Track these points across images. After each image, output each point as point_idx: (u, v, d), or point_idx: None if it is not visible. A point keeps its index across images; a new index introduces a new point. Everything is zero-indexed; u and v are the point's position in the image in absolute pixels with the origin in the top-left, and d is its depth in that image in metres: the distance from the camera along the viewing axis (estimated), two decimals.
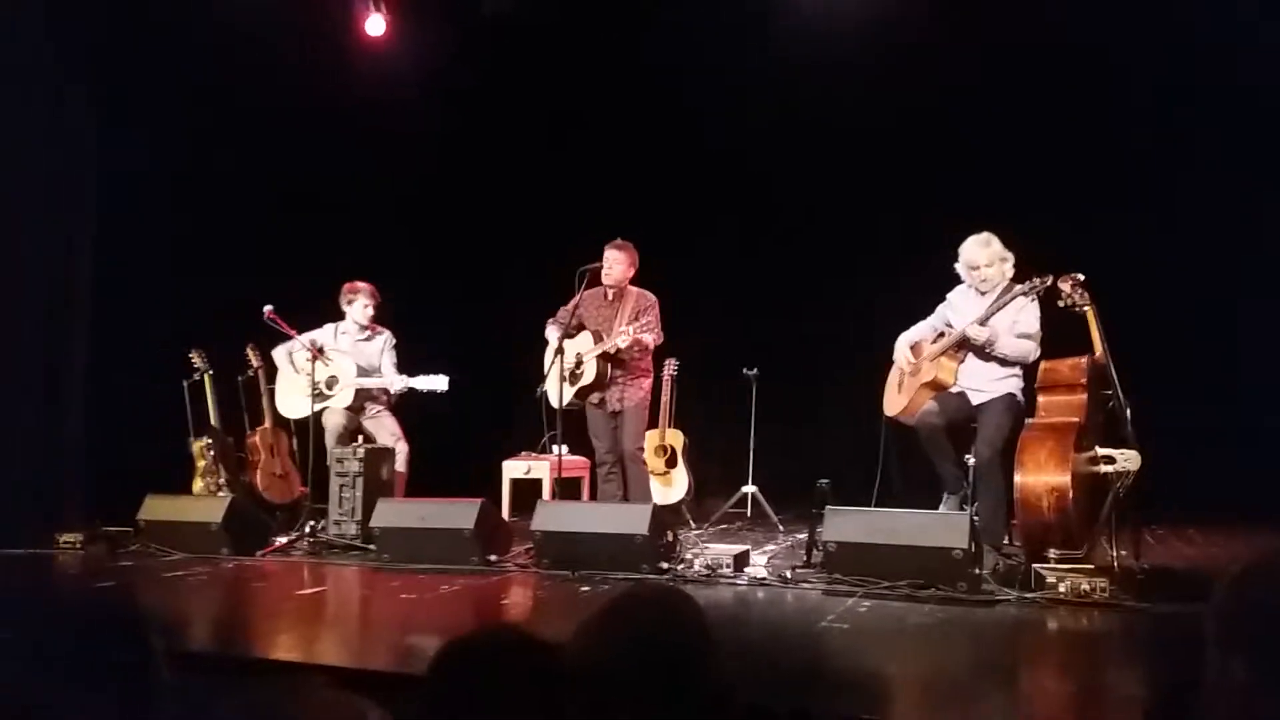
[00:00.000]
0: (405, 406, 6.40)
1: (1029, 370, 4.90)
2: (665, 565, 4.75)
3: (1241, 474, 5.52)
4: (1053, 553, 4.22)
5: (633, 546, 4.71)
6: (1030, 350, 4.91)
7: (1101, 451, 4.35)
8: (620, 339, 5.76)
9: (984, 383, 4.99)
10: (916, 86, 6.75)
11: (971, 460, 4.83)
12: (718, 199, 7.44)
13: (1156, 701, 2.83)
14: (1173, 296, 6.18)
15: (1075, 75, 6.43)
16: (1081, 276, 4.56)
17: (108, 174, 6.55)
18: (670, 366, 6.39)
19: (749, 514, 6.56)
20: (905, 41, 6.59)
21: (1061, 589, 4.02)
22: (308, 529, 5.75)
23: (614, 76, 7.39)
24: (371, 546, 5.34)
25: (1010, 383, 4.97)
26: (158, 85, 6.56)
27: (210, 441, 6.49)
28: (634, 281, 6.03)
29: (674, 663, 1.64)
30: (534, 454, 6.76)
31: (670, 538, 4.98)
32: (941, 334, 5.16)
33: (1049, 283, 4.69)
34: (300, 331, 6.23)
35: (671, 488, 6.48)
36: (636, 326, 5.78)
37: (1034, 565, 4.22)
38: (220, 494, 6.21)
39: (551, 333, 5.99)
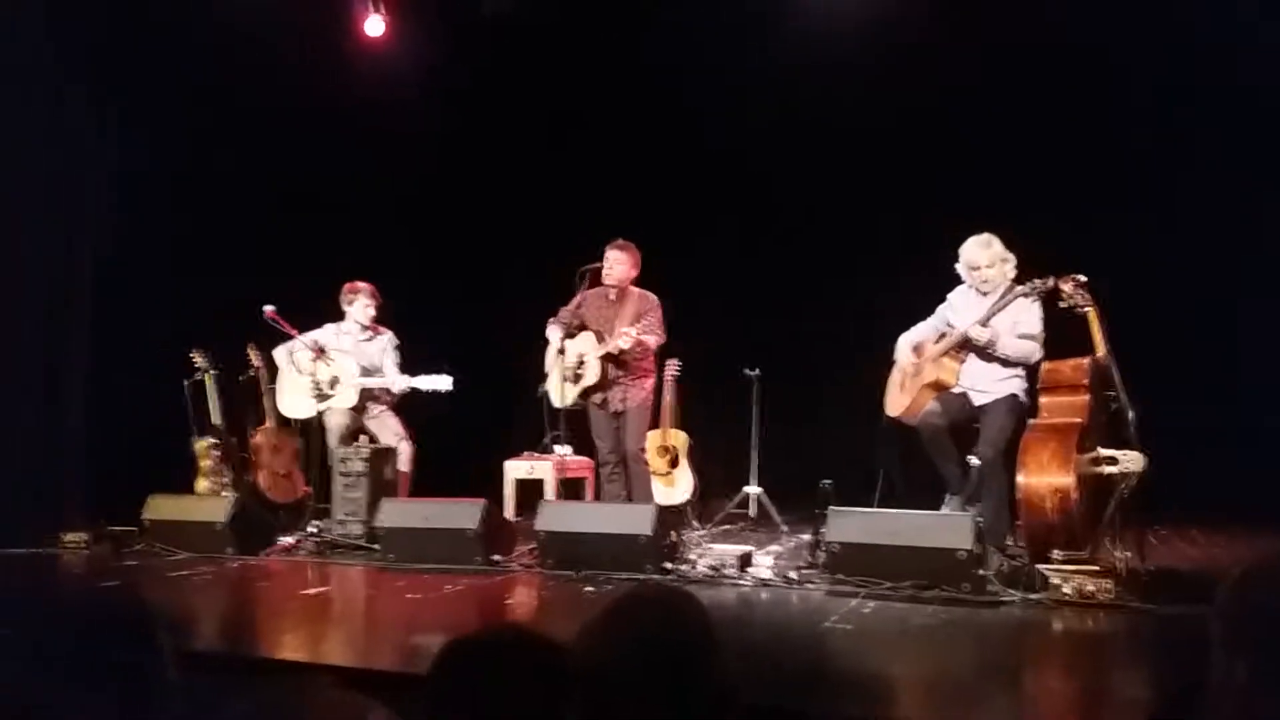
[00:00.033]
0: (407, 407, 6.40)
1: (1031, 371, 4.90)
2: (669, 566, 4.76)
3: (1244, 475, 5.52)
4: (1056, 553, 4.22)
5: (636, 547, 4.72)
6: (1032, 351, 4.91)
7: (1104, 452, 4.36)
8: (622, 340, 5.76)
9: (986, 383, 5.00)
10: (916, 86, 6.74)
11: (974, 461, 4.83)
12: (718, 199, 7.43)
13: (1161, 703, 2.84)
14: (1173, 297, 6.17)
15: (1075, 75, 6.42)
16: (1083, 277, 4.57)
17: (108, 174, 6.54)
18: (672, 367, 6.39)
19: (752, 515, 6.56)
20: (905, 41, 6.59)
21: (1066, 590, 4.03)
22: (312, 529, 5.76)
23: (614, 76, 7.38)
24: (376, 546, 5.35)
25: (1013, 383, 4.97)
26: (158, 85, 6.55)
27: (213, 441, 6.49)
28: (636, 282, 6.02)
29: (678, 663, 1.64)
30: (537, 454, 6.76)
31: (674, 538, 4.99)
32: (943, 334, 5.16)
33: (1050, 284, 4.70)
34: (301, 331, 6.24)
35: (674, 488, 6.48)
36: (639, 328, 5.77)
37: (1038, 566, 4.23)
38: (224, 494, 6.22)
39: (553, 332, 5.98)
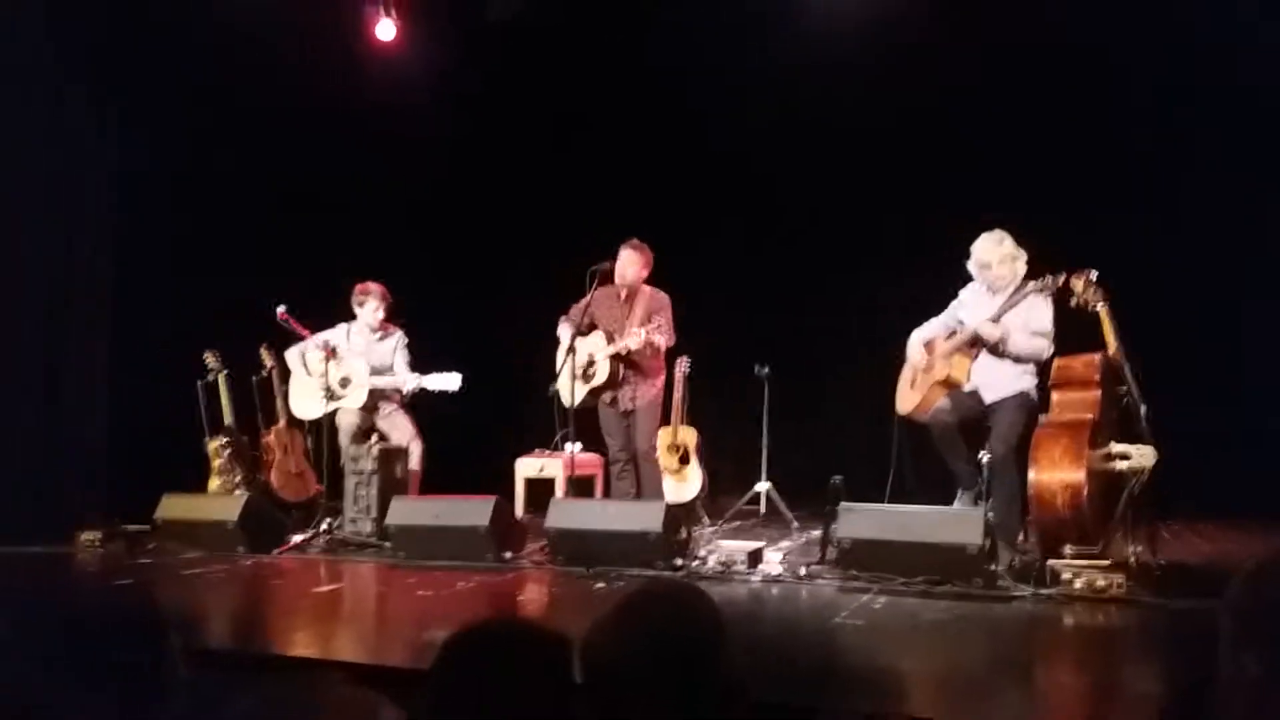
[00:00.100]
0: (418, 406, 6.42)
1: (1042, 368, 4.89)
2: (679, 562, 4.76)
3: (1255, 472, 5.50)
4: (1068, 549, 4.21)
5: (646, 544, 4.72)
6: (1043, 348, 4.89)
7: (1116, 448, 4.34)
8: (632, 340, 5.74)
9: (997, 380, 4.98)
10: (918, 86, 6.73)
11: (985, 457, 4.81)
12: (724, 198, 7.43)
13: (1173, 697, 2.83)
14: (1177, 297, 6.15)
15: (1076, 75, 6.41)
16: (1094, 274, 4.55)
17: (108, 174, 6.57)
18: (683, 365, 6.39)
19: (763, 511, 6.56)
20: (906, 41, 6.58)
21: (1077, 585, 4.01)
22: (323, 527, 5.78)
23: (618, 79, 7.39)
24: (387, 544, 5.37)
25: (1024, 380, 4.95)
26: (159, 85, 6.56)
27: (226, 441, 6.53)
28: (647, 282, 6.02)
29: (689, 658, 1.65)
30: (547, 452, 6.77)
31: (684, 534, 4.99)
32: (954, 331, 5.15)
33: (1061, 280, 4.68)
34: (313, 332, 6.26)
35: (685, 485, 6.48)
36: (649, 328, 5.75)
37: (1049, 561, 4.22)
38: (236, 493, 6.25)
39: (564, 330, 5.98)
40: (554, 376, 5.96)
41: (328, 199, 7.31)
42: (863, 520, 4.47)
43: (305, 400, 6.37)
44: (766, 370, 6.60)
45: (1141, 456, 4.27)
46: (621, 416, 5.99)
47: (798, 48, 6.81)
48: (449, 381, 6.10)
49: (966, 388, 5.03)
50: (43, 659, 1.50)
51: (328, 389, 6.12)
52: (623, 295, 5.98)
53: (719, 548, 4.92)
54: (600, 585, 4.53)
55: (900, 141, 6.84)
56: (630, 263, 5.89)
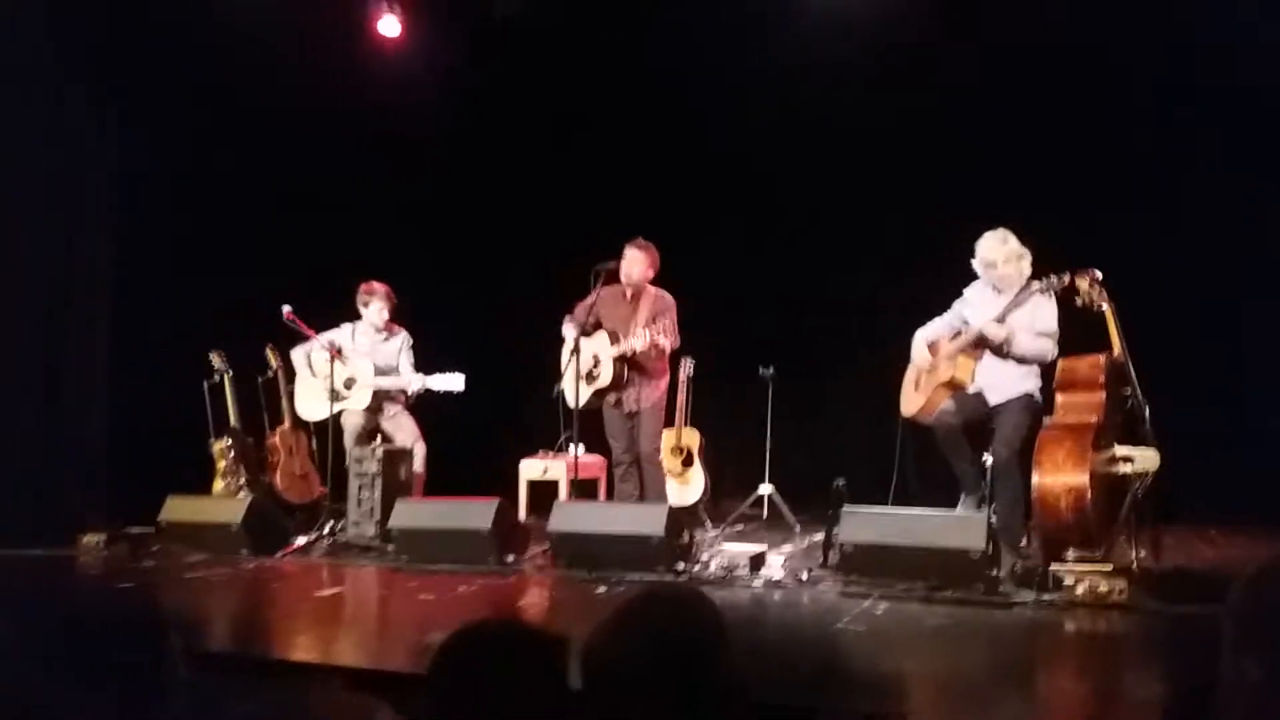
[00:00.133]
0: (420, 407, 6.42)
1: (1047, 369, 4.87)
2: (681, 566, 4.75)
3: (1260, 475, 5.48)
4: (1071, 553, 4.20)
5: (649, 547, 4.72)
6: (1048, 349, 4.87)
7: (1120, 451, 4.32)
8: (637, 341, 5.73)
9: (1002, 382, 4.96)
10: (919, 86, 6.72)
11: (989, 460, 4.80)
12: (725, 199, 7.42)
13: (1174, 703, 2.82)
14: (1178, 297, 6.14)
15: (1075, 75, 6.39)
16: (1100, 274, 4.54)
17: (108, 174, 6.56)
18: (686, 366, 6.38)
19: (765, 514, 6.55)
20: (906, 41, 6.56)
21: (1079, 590, 4.00)
22: (327, 529, 5.78)
23: (620, 78, 7.38)
24: (390, 547, 5.37)
25: (1028, 382, 4.94)
26: (159, 86, 6.53)
27: (230, 442, 6.53)
28: (653, 283, 6.01)
29: (689, 662, 1.64)
30: (550, 454, 6.76)
31: (687, 538, 4.99)
32: (959, 332, 5.13)
33: (1066, 280, 4.67)
34: (318, 332, 6.27)
35: (688, 488, 6.48)
36: (654, 330, 5.74)
37: (1052, 566, 4.20)
38: (240, 495, 6.25)
39: (568, 330, 5.96)
40: (558, 377, 5.96)
41: (330, 198, 7.31)
42: (865, 524, 4.46)
43: (310, 401, 6.37)
44: (771, 371, 6.60)
45: (1145, 460, 4.25)
46: (626, 418, 5.98)
47: (798, 48, 6.79)
48: (453, 382, 6.10)
49: (971, 389, 5.02)
50: (44, 660, 1.50)
51: (332, 390, 6.12)
52: (628, 295, 5.97)
53: (721, 551, 4.92)
54: (602, 589, 4.53)
55: (901, 142, 6.82)
56: (636, 262, 5.88)
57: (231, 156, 6.81)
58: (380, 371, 6.27)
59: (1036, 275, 4.91)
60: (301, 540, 5.70)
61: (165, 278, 6.67)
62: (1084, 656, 3.71)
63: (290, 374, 6.54)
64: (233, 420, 6.57)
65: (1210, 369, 6.02)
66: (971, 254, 5.07)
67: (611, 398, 5.96)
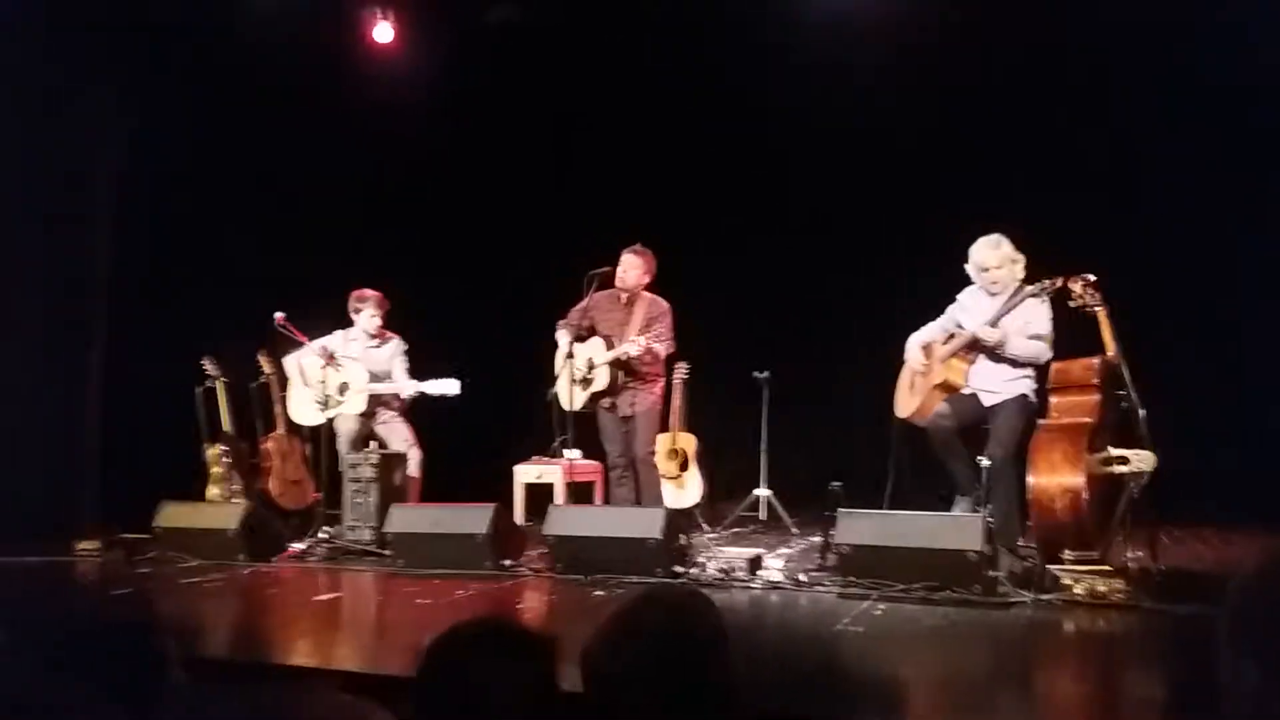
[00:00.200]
0: (416, 412, 6.41)
1: (1041, 371, 4.89)
2: (679, 569, 4.75)
3: (1257, 475, 5.49)
4: (1068, 554, 4.21)
5: (646, 550, 4.71)
6: (1042, 351, 4.89)
7: (1115, 452, 4.33)
8: (632, 347, 5.73)
9: (996, 384, 4.98)
10: (917, 89, 6.74)
11: (984, 462, 4.81)
12: (723, 201, 7.43)
13: (1173, 703, 2.82)
14: (1176, 297, 6.15)
15: (1075, 76, 6.42)
16: (1092, 277, 4.55)
17: (109, 175, 6.57)
18: (681, 370, 6.38)
19: (762, 517, 6.55)
20: (905, 43, 6.58)
21: (1077, 590, 4.01)
22: (322, 535, 5.76)
23: (614, 82, 7.39)
24: (386, 552, 5.36)
25: (1022, 384, 4.95)
26: (162, 87, 6.56)
27: (224, 448, 6.52)
28: (648, 288, 6.00)
29: (689, 664, 1.64)
30: (546, 458, 6.76)
31: (683, 541, 4.98)
32: (952, 335, 5.15)
33: (1059, 284, 4.68)
34: (311, 338, 6.25)
35: (684, 491, 6.48)
36: (649, 336, 5.74)
37: (1049, 567, 4.21)
38: (235, 501, 6.24)
39: (562, 335, 5.97)
40: (551, 380, 5.96)
41: (324, 203, 7.31)
42: (862, 526, 4.46)
43: (304, 407, 6.36)
44: (766, 375, 6.60)
45: (1140, 460, 4.26)
46: (621, 422, 5.98)
47: (798, 51, 6.82)
48: (448, 386, 6.09)
49: (965, 391, 5.03)
50: (41, 667, 1.49)
51: (326, 395, 6.11)
52: (624, 299, 5.96)
53: (718, 554, 4.91)
54: (600, 593, 4.52)
55: (898, 145, 6.85)
56: (632, 267, 5.88)
57: (226, 162, 6.80)
58: (374, 378, 6.26)
59: (1030, 278, 4.92)
60: (297, 546, 5.69)
61: (158, 284, 6.66)
62: (1083, 657, 3.72)
63: (283, 380, 6.52)
64: (226, 426, 6.56)
65: (1208, 369, 6.03)
66: (965, 258, 5.09)
67: (606, 402, 5.96)
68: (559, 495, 6.46)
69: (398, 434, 6.27)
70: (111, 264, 6.63)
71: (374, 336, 6.39)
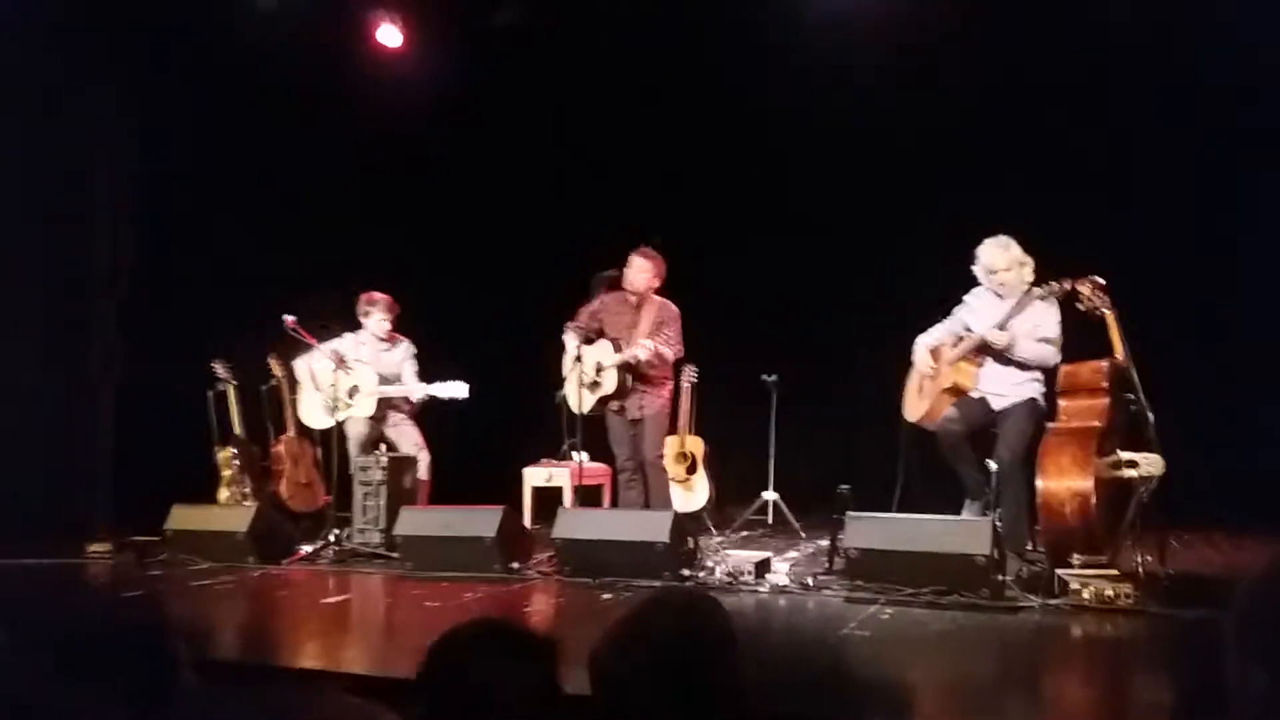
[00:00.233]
0: (425, 415, 6.42)
1: (1049, 374, 4.87)
2: (686, 572, 4.75)
3: (1267, 480, 5.47)
4: (1076, 558, 4.20)
5: (654, 554, 4.72)
6: (1050, 354, 4.88)
7: (1124, 455, 4.32)
8: (640, 350, 5.72)
9: (1004, 387, 4.97)
10: (923, 91, 6.73)
11: (993, 466, 4.80)
12: (729, 206, 7.43)
13: (1181, 708, 2.81)
14: (1186, 302, 6.13)
15: (1074, 76, 6.41)
16: (1101, 280, 4.54)
17: (110, 175, 6.59)
18: (689, 373, 6.38)
19: (770, 521, 6.55)
20: (907, 42, 6.58)
21: (1085, 595, 4.00)
22: (332, 537, 5.79)
23: (622, 85, 7.40)
24: (395, 554, 5.38)
25: (1031, 387, 4.94)
26: (164, 90, 6.58)
27: (235, 451, 6.54)
28: (657, 292, 6.00)
29: (697, 667, 1.65)
30: (554, 461, 6.77)
31: (691, 545, 4.99)
32: (961, 338, 5.13)
33: (1067, 286, 4.67)
34: (321, 340, 6.27)
35: (693, 494, 6.48)
36: (658, 340, 5.74)
37: (1057, 571, 4.20)
38: (245, 503, 6.26)
39: (570, 338, 5.96)
40: (560, 383, 5.96)
41: (341, 206, 7.34)
42: (870, 530, 4.46)
43: (314, 410, 6.38)
44: (774, 378, 6.60)
45: (1150, 464, 4.25)
46: (629, 425, 5.97)
47: (802, 54, 6.81)
48: (457, 389, 6.10)
49: (974, 395, 5.02)
50: (52, 669, 1.51)
51: (335, 398, 6.12)
52: (632, 301, 5.96)
53: (726, 558, 4.91)
54: (608, 596, 4.53)
55: (904, 147, 6.84)
56: (641, 270, 5.88)
57: (235, 165, 6.82)
58: (384, 381, 6.27)
59: (1038, 281, 4.91)
60: (307, 548, 5.71)
61: (167, 285, 6.69)
62: (1090, 661, 3.71)
63: (293, 383, 6.55)
64: (237, 429, 6.59)
65: (1212, 371, 6.01)
66: (973, 260, 5.08)
67: (615, 405, 5.96)
68: (568, 498, 6.47)
69: (407, 437, 6.28)
70: (115, 265, 6.64)
71: (384, 339, 6.41)
